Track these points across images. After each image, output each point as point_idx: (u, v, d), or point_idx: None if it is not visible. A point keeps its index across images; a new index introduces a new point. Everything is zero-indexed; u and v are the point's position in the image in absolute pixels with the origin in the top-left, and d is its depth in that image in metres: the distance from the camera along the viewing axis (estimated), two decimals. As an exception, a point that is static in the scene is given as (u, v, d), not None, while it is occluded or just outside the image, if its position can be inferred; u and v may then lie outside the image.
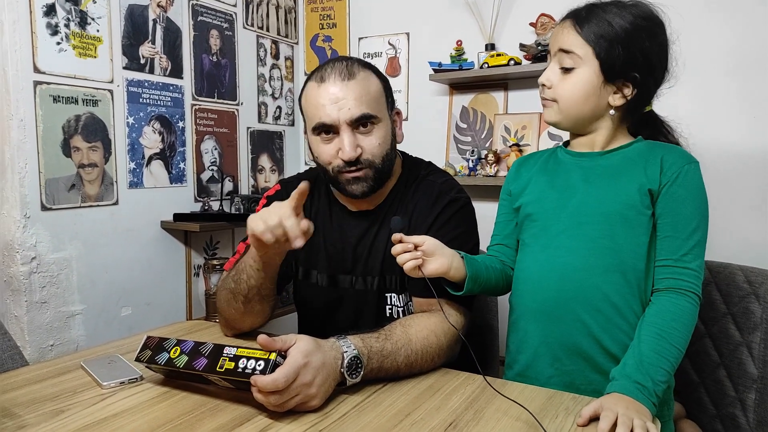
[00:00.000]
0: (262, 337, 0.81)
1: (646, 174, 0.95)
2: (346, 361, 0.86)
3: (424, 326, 1.00)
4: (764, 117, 1.92)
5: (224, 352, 0.83)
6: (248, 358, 0.80)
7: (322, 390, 0.83)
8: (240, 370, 0.80)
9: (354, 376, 0.87)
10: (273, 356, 0.79)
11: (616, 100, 0.98)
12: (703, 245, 0.93)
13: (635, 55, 0.95)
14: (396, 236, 0.97)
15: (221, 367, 0.81)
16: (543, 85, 1.01)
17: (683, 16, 1.98)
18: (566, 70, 0.98)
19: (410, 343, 0.95)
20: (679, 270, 0.92)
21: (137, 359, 0.92)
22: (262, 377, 0.77)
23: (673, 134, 1.07)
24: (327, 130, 1.09)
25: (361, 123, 1.07)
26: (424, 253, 0.96)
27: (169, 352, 0.88)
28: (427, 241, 0.97)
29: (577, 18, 0.98)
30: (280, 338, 0.83)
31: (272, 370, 0.78)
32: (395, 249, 0.97)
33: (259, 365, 0.79)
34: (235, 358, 0.81)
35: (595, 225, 0.97)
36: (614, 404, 0.79)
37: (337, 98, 1.06)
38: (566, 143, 1.09)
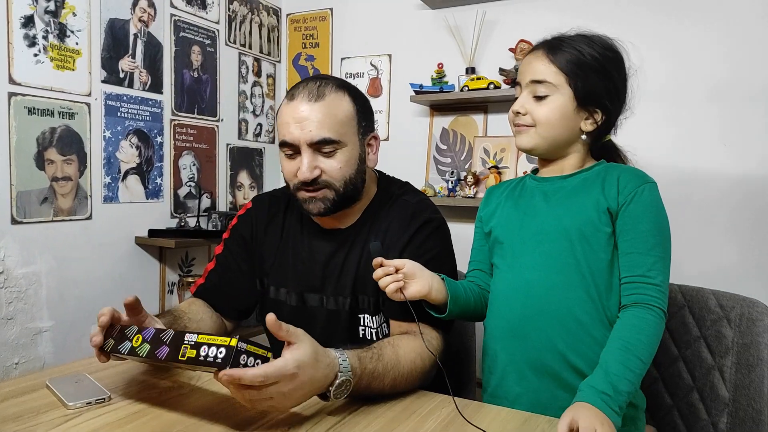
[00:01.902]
0: (271, 317, 0.78)
1: (604, 193, 0.98)
2: (336, 382, 0.84)
3: (411, 348, 1.00)
4: (736, 145, 1.98)
5: (185, 339, 0.80)
6: (209, 345, 0.77)
7: (298, 402, 0.82)
8: (202, 358, 0.77)
9: (338, 396, 0.86)
10: (234, 342, 0.75)
11: (587, 125, 1.03)
12: (664, 261, 0.95)
13: (606, 84, 1.01)
14: (377, 260, 0.98)
15: (183, 356, 0.79)
16: (518, 112, 1.03)
17: (665, 49, 2.05)
18: (539, 98, 1.01)
19: (399, 366, 0.95)
20: (642, 285, 0.94)
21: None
22: (237, 371, 0.74)
23: (627, 162, 1.11)
24: (290, 147, 1.09)
25: (323, 145, 1.07)
26: (405, 276, 0.97)
27: (131, 341, 0.87)
28: (408, 264, 0.98)
29: (548, 48, 1.02)
30: (288, 329, 0.80)
31: (235, 359, 0.75)
32: (376, 273, 0.97)
33: (220, 353, 0.76)
34: (197, 346, 0.78)
35: (555, 243, 1.00)
36: (579, 414, 0.79)
37: (301, 118, 1.06)
38: (535, 170, 1.12)
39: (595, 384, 0.84)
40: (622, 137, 1.11)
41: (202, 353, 0.77)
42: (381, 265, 0.97)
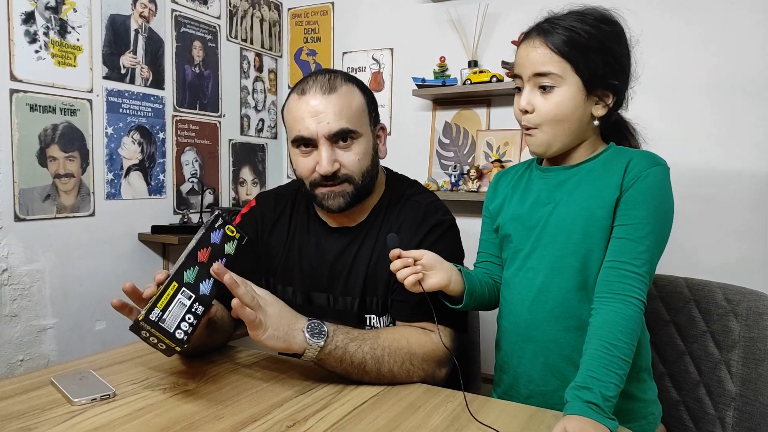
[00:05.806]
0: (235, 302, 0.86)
1: (610, 184, 0.93)
2: (307, 325, 0.92)
3: (395, 330, 1.01)
4: (742, 140, 1.96)
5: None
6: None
7: (287, 323, 0.91)
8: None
9: (316, 338, 0.90)
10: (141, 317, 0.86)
11: (599, 110, 0.96)
12: (654, 251, 0.90)
13: (610, 62, 0.94)
14: (394, 252, 0.95)
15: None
16: (525, 111, 0.96)
17: (664, 39, 2.03)
18: (545, 89, 0.94)
19: (378, 338, 0.97)
20: (626, 274, 0.89)
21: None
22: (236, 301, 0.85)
23: (636, 138, 1.05)
24: (306, 143, 1.07)
25: (341, 137, 1.06)
26: (424, 267, 0.95)
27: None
28: (426, 255, 0.96)
29: (545, 34, 0.93)
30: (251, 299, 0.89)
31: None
32: (395, 265, 0.95)
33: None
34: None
35: (560, 245, 0.96)
36: (571, 425, 0.77)
37: (316, 111, 1.04)
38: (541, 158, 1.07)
39: (582, 395, 0.81)
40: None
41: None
42: (399, 257, 0.95)
